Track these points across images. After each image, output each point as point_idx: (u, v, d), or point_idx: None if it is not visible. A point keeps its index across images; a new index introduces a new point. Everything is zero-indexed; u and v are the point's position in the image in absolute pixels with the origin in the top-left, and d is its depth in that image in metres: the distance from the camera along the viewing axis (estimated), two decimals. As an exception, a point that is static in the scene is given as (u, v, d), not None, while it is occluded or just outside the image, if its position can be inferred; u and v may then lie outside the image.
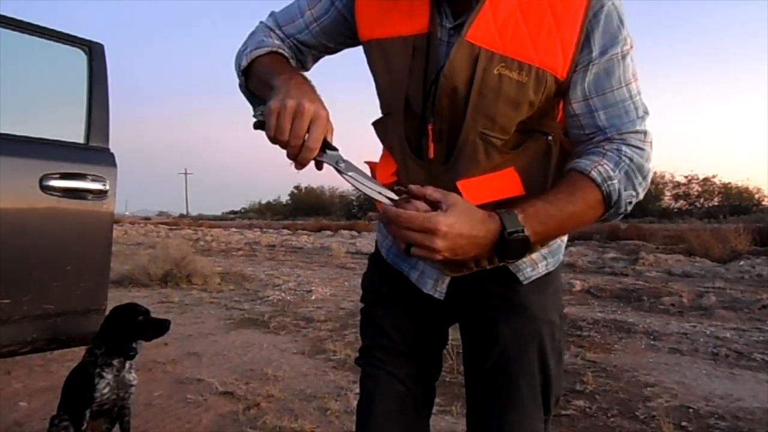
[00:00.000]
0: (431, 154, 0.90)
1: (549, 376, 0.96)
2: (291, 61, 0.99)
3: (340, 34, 1.01)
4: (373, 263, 1.14)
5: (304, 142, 0.77)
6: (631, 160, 0.83)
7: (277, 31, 1.02)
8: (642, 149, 0.85)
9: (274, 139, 0.78)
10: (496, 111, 0.85)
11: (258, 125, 0.80)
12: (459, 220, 0.75)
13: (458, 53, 0.84)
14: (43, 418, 2.20)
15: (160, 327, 1.87)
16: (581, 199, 0.82)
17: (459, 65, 0.84)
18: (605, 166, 0.83)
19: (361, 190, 0.81)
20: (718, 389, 2.90)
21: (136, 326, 1.84)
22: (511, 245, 0.78)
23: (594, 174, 0.82)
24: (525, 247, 0.79)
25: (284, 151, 0.79)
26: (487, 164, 0.87)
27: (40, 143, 2.16)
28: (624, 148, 0.84)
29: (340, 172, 0.80)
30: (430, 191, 0.78)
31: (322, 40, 1.02)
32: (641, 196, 0.87)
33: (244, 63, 0.96)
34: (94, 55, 2.36)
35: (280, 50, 0.97)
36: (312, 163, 0.81)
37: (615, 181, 0.82)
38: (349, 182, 0.80)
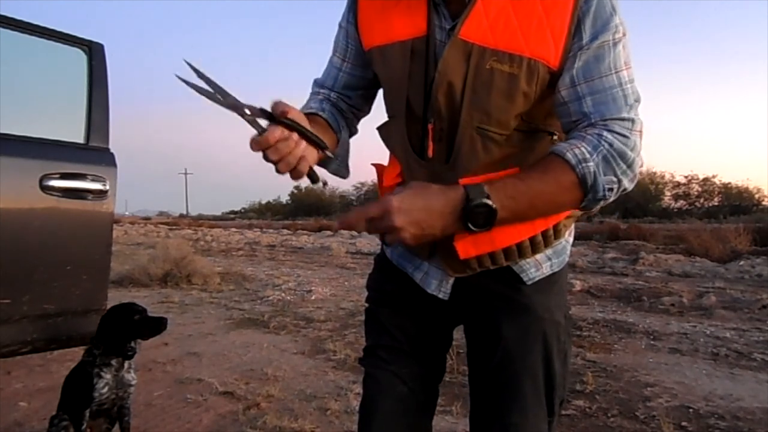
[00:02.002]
0: (431, 154, 0.91)
1: (553, 377, 0.95)
2: (321, 114, 1.01)
3: (366, 62, 1.03)
4: (378, 263, 1.14)
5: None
6: (611, 145, 0.81)
7: (322, 91, 1.08)
8: (626, 137, 0.82)
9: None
10: (489, 104, 0.86)
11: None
12: (410, 194, 0.78)
13: (451, 51, 0.86)
14: (43, 418, 2.20)
15: (157, 325, 1.87)
16: (554, 179, 0.81)
17: (452, 63, 0.86)
18: (582, 148, 0.81)
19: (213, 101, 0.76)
20: (718, 389, 2.90)
21: (132, 325, 1.83)
22: (475, 213, 0.78)
23: (569, 156, 0.81)
24: (491, 216, 0.78)
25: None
26: (486, 158, 0.88)
27: (40, 143, 2.16)
28: (605, 133, 0.82)
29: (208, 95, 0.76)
30: (356, 216, 0.80)
31: (358, 73, 1.06)
32: (626, 185, 0.84)
33: None
34: (94, 55, 2.36)
35: (312, 111, 1.00)
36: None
37: (590, 164, 0.80)
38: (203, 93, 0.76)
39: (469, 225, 0.79)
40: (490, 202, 0.78)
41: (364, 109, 1.12)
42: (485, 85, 0.85)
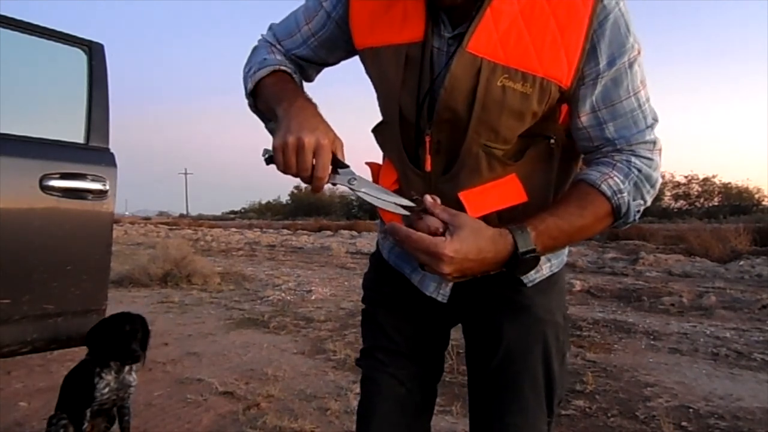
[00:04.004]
0: (428, 167, 0.89)
1: (552, 378, 0.95)
2: (294, 76, 0.98)
3: (338, 48, 1.00)
4: (374, 263, 1.13)
5: (313, 172, 0.79)
6: (640, 171, 0.84)
7: (278, 46, 1.02)
8: (651, 159, 0.85)
9: (284, 173, 0.81)
10: (499, 123, 0.83)
11: (269, 160, 0.83)
12: (464, 245, 0.75)
13: (459, 65, 0.81)
14: (43, 418, 2.20)
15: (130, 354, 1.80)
16: (591, 213, 0.83)
17: (460, 77, 0.82)
18: (615, 178, 0.83)
19: (375, 205, 0.82)
20: (718, 389, 2.90)
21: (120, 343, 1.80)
22: (522, 264, 0.79)
23: (604, 187, 0.83)
24: (535, 264, 0.81)
25: None
26: (489, 176, 0.86)
27: (40, 143, 2.16)
28: (633, 159, 0.84)
29: (353, 190, 0.82)
30: (439, 211, 0.78)
31: (321, 54, 1.02)
32: (649, 202, 0.87)
33: (250, 86, 0.96)
34: (94, 55, 2.36)
35: (283, 67, 0.96)
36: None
37: (625, 194, 0.83)
38: (364, 199, 0.82)
39: (514, 274, 0.81)
40: (537, 251, 0.79)
41: (312, 78, 1.08)
42: (497, 104, 0.81)
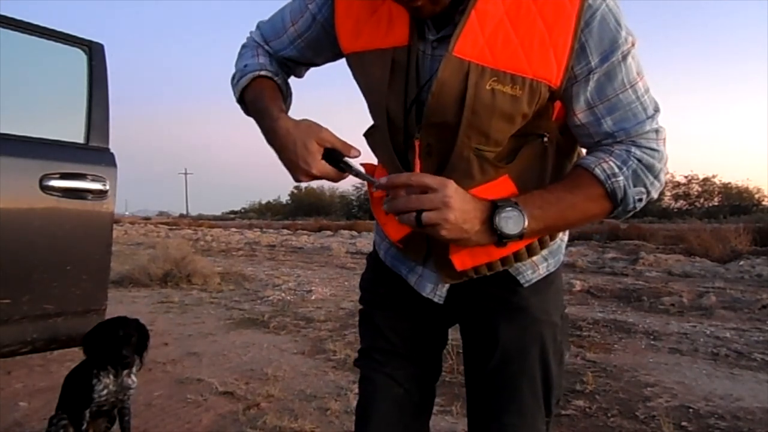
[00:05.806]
0: (417, 171, 0.88)
1: (550, 378, 0.95)
2: (275, 79, 0.99)
3: (324, 50, 1.01)
4: (371, 263, 1.13)
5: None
6: (639, 160, 0.82)
7: (265, 47, 1.03)
8: (653, 149, 0.83)
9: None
10: (490, 127, 0.82)
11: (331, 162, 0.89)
12: (459, 188, 0.77)
13: (446, 69, 0.80)
14: (43, 418, 2.20)
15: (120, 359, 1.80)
16: (582, 192, 0.82)
17: (448, 82, 0.81)
18: (610, 163, 0.82)
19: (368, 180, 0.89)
20: (718, 389, 2.89)
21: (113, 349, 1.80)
22: (504, 219, 0.77)
23: (597, 171, 0.82)
24: (519, 223, 0.78)
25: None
26: (482, 179, 0.86)
27: (40, 143, 2.16)
28: (633, 149, 0.83)
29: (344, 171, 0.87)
30: (415, 179, 0.78)
31: (308, 55, 1.03)
32: (654, 194, 0.85)
33: (236, 96, 0.99)
34: (94, 55, 2.36)
35: (263, 72, 0.98)
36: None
37: (620, 179, 0.81)
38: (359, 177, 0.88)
39: (500, 231, 0.78)
40: (519, 207, 0.78)
41: (302, 74, 1.09)
42: (487, 108, 0.80)
